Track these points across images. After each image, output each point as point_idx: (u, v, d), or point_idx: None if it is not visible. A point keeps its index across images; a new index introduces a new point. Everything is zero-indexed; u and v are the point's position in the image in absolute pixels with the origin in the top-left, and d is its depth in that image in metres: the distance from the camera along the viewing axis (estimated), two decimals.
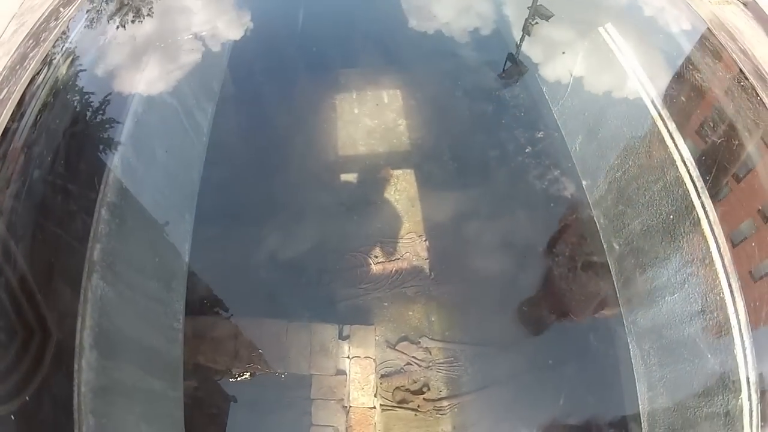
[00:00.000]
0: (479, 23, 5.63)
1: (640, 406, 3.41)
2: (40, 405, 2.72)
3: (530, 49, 5.36)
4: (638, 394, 3.41)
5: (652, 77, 3.76)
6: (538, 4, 5.72)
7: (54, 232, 3.04)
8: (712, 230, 3.07)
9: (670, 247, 3.44)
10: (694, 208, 3.15)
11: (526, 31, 5.54)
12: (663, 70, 3.81)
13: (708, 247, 3.12)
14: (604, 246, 3.80)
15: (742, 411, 3.06)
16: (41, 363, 2.70)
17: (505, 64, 5.30)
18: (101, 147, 3.37)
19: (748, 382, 3.03)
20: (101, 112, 3.50)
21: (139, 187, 3.57)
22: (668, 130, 3.46)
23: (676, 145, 3.41)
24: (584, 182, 3.96)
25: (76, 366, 2.77)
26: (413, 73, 4.92)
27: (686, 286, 3.32)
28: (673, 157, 3.38)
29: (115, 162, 3.33)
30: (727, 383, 3.06)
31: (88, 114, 3.48)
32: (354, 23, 5.44)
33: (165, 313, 3.61)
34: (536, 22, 5.57)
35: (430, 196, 4.28)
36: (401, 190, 4.32)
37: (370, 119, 4.59)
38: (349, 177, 4.39)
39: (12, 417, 2.52)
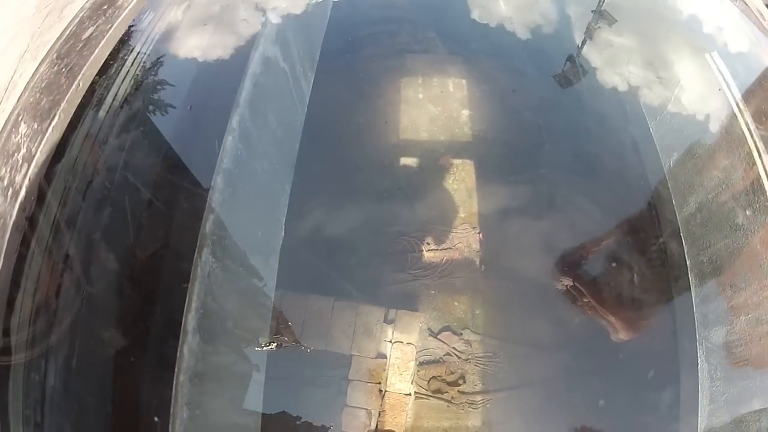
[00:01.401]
0: (542, 21, 5.56)
1: (699, 419, 3.42)
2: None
3: (590, 53, 5.31)
4: (699, 408, 3.41)
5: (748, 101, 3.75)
6: (602, 8, 5.69)
7: (172, 202, 2.93)
8: None
9: (750, 268, 3.42)
10: None
11: (588, 34, 5.50)
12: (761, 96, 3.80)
13: None
14: (687, 262, 3.78)
15: None
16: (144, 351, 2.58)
17: (564, 65, 5.26)
18: (221, 109, 3.27)
19: None
20: (220, 68, 3.39)
21: (252, 154, 3.49)
22: (760, 156, 3.45)
23: (766, 171, 3.40)
24: (674, 199, 3.93)
25: (178, 353, 2.66)
26: (480, 65, 4.87)
27: (761, 307, 3.32)
28: (764, 185, 3.37)
29: (233, 125, 3.24)
30: None
31: (207, 69, 3.37)
32: (423, 8, 5.38)
33: (261, 290, 3.52)
34: (599, 26, 5.53)
35: (488, 190, 4.25)
36: (459, 180, 4.29)
37: (434, 106, 4.54)
38: (408, 161, 4.36)
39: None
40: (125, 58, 3.63)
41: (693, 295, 3.72)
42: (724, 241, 3.63)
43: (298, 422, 4.21)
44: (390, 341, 4.04)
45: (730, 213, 3.62)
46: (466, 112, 4.55)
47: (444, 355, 4.17)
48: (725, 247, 3.71)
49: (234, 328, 3.12)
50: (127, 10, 3.54)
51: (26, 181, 2.79)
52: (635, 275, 4.08)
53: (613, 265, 4.24)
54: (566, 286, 4.26)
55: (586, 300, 4.26)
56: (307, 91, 4.14)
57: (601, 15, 5.70)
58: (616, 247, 4.21)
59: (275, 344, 4.23)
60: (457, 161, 4.36)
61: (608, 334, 4.22)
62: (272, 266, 3.59)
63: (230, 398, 3.02)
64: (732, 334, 3.49)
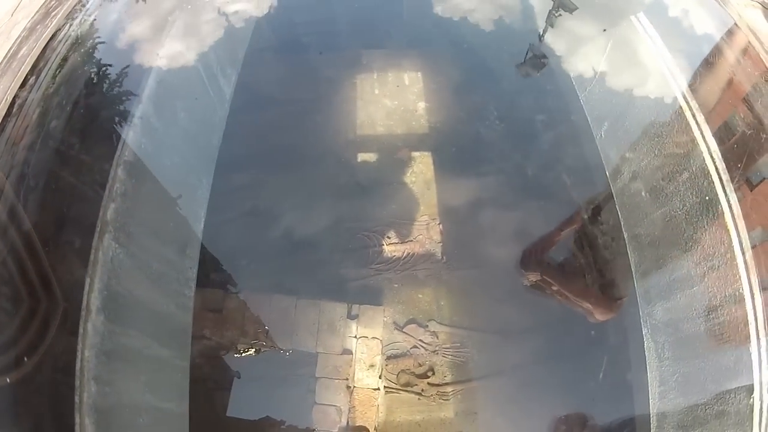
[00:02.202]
0: (503, 12, 5.58)
1: (650, 402, 3.37)
2: (39, 368, 2.68)
3: (554, 41, 5.30)
4: (649, 389, 3.36)
5: (682, 68, 3.69)
6: None
7: (68, 188, 2.99)
8: (735, 225, 3.02)
9: (691, 240, 3.38)
10: (719, 200, 3.09)
11: (550, 22, 5.50)
12: (691, 62, 3.74)
13: (730, 242, 3.07)
14: (625, 235, 3.75)
15: (752, 410, 3.00)
16: (43, 324, 2.64)
17: (526, 54, 5.26)
18: (121, 104, 3.32)
19: (761, 382, 2.97)
20: (122, 69, 3.45)
21: (158, 148, 3.52)
22: (696, 122, 3.40)
23: (703, 137, 3.34)
24: (607, 170, 3.90)
25: (81, 329, 2.71)
26: (436, 58, 4.88)
27: (706, 279, 3.24)
28: (699, 149, 3.32)
29: (134, 120, 3.28)
30: (740, 381, 3.01)
31: (109, 70, 3.42)
32: (379, 4, 5.39)
33: (177, 279, 3.57)
34: (560, 14, 5.53)
35: (446, 180, 4.25)
36: (418, 172, 4.29)
37: (390, 100, 4.55)
38: (366, 156, 4.36)
39: (6, 380, 2.46)
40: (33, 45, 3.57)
41: (633, 270, 3.68)
42: (661, 210, 3.60)
43: (269, 423, 4.21)
44: (355, 336, 4.04)
45: (664, 180, 3.57)
46: (422, 105, 4.56)
47: (411, 348, 4.17)
48: (662, 216, 3.65)
49: (147, 314, 3.12)
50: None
51: None
52: (596, 259, 4.06)
53: (575, 252, 4.24)
54: (535, 280, 4.27)
55: (555, 289, 4.25)
56: (228, 89, 4.15)
57: (561, 2, 5.71)
58: (575, 235, 4.20)
59: (254, 349, 4.24)
60: (415, 154, 4.37)
61: (583, 317, 4.21)
62: (191, 256, 3.60)
63: (146, 381, 3.00)
64: (677, 310, 3.47)
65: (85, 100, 3.11)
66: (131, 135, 3.17)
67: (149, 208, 3.32)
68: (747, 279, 2.94)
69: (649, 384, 3.41)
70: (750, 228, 2.95)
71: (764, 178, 3.02)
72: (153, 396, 3.12)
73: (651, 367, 3.43)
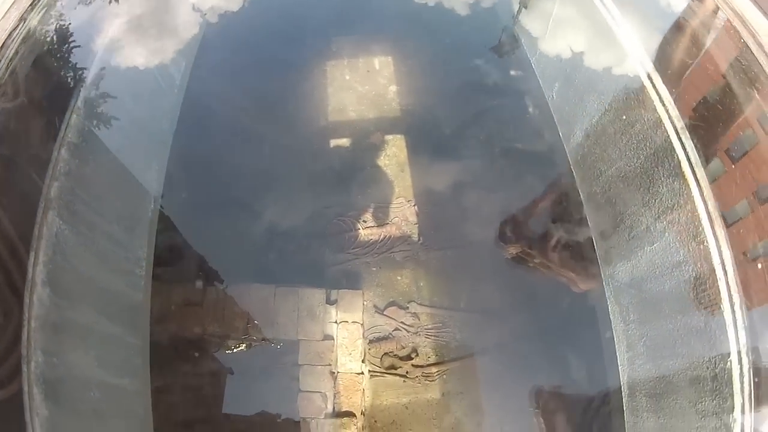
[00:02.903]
0: None
1: (620, 368, 3.31)
2: None
3: (528, 22, 5.26)
4: (617, 355, 3.31)
5: (628, 20, 3.53)
6: None
7: (11, 167, 2.94)
8: (694, 173, 2.89)
9: (649, 194, 3.26)
10: (674, 149, 2.98)
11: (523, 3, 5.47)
12: (637, 12, 3.60)
13: (689, 192, 2.93)
14: (581, 196, 3.68)
15: (731, 375, 2.82)
16: None
17: (500, 35, 5.21)
18: (65, 88, 3.28)
19: (738, 341, 2.79)
20: (67, 55, 3.40)
21: (103, 131, 3.49)
22: (646, 71, 3.28)
23: (654, 86, 3.21)
24: (560, 131, 3.84)
25: (26, 300, 2.69)
26: (406, 42, 4.86)
27: (667, 234, 3.12)
28: (651, 98, 3.18)
29: (78, 104, 3.24)
30: (713, 342, 2.86)
31: (54, 57, 3.38)
32: None
33: (126, 258, 3.54)
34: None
35: (419, 162, 4.24)
36: (391, 155, 4.28)
37: (361, 85, 4.54)
38: (339, 142, 4.36)
39: None
40: None
41: (591, 231, 3.61)
42: (615, 166, 3.54)
43: (256, 414, 4.21)
44: (335, 322, 4.03)
45: (616, 134, 3.53)
46: (393, 88, 4.55)
47: (393, 331, 4.16)
48: (617, 173, 3.56)
49: (96, 290, 3.10)
50: None
51: None
52: (573, 227, 4.03)
53: (554, 222, 4.21)
54: (515, 252, 4.25)
55: (537, 261, 4.23)
56: (178, 75, 4.11)
57: None
58: (552, 206, 4.18)
59: (245, 344, 4.23)
60: (388, 137, 4.36)
61: (564, 288, 4.18)
62: (140, 236, 3.58)
63: (97, 356, 2.99)
64: (638, 269, 3.38)
65: (29, 86, 3.07)
66: (74, 118, 3.13)
67: (94, 188, 3.28)
68: (712, 230, 2.81)
69: (617, 350, 3.35)
70: (710, 173, 2.81)
71: (721, 120, 2.87)
72: (105, 371, 3.10)
73: (617, 331, 3.36)
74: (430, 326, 4.14)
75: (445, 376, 4.18)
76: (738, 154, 2.87)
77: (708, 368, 2.86)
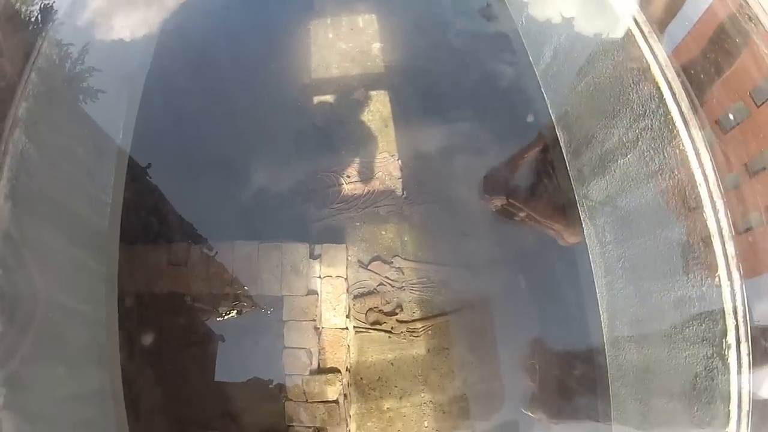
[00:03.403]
0: None
1: (598, 295, 3.20)
2: None
3: None
4: (595, 280, 3.20)
5: None
6: None
7: None
8: (664, 75, 2.69)
9: (619, 102, 3.08)
10: (642, 53, 2.81)
11: None
12: None
13: (661, 95, 2.72)
14: (553, 117, 3.57)
15: (721, 292, 2.53)
16: None
17: None
18: (37, 15, 3.21)
19: (725, 253, 2.51)
20: None
21: (74, 62, 3.43)
22: None
23: None
24: (530, 54, 3.72)
25: None
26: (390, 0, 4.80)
27: (640, 143, 2.93)
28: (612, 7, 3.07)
29: (50, 33, 3.18)
30: (698, 256, 2.58)
31: None
32: None
33: (93, 183, 3.49)
34: None
35: (403, 117, 4.21)
36: (375, 111, 4.24)
37: (344, 43, 4.50)
38: (323, 99, 4.31)
39: None
40: None
41: (564, 153, 3.48)
42: (585, 80, 3.41)
43: (242, 372, 4.19)
44: (319, 277, 4.00)
45: (584, 49, 3.39)
46: (377, 45, 4.51)
47: (377, 286, 4.14)
48: (586, 87, 3.42)
49: (60, 212, 3.07)
50: None
51: None
52: (558, 179, 3.98)
53: (539, 174, 4.16)
54: (500, 205, 4.21)
55: (523, 214, 4.19)
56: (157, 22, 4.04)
57: None
58: (537, 157, 4.13)
59: (236, 311, 4.20)
60: (371, 93, 4.32)
61: (550, 242, 4.14)
62: (107, 163, 3.55)
63: (59, 278, 2.95)
64: (612, 184, 3.23)
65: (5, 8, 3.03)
66: (45, 45, 3.08)
67: (62, 114, 3.23)
68: (687, 132, 2.62)
69: (594, 275, 3.24)
70: (682, 74, 2.65)
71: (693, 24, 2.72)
72: (66, 295, 3.07)
73: (593, 255, 3.24)
74: (414, 281, 4.12)
75: (430, 332, 4.17)
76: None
77: (694, 286, 2.64)
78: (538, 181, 4.23)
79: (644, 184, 2.89)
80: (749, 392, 2.28)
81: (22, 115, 2.74)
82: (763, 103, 2.54)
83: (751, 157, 2.59)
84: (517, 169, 4.23)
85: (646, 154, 2.81)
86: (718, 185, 2.47)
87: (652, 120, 2.75)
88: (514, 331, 4.11)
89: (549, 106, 3.56)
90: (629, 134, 2.95)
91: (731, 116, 2.65)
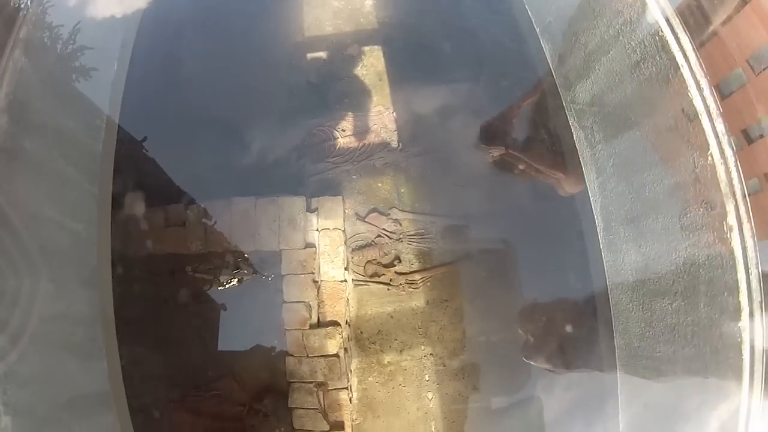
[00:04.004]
0: None
1: (591, 199, 3.13)
2: None
3: None
4: (587, 184, 3.14)
5: None
6: None
7: None
8: None
9: (598, 2, 2.98)
10: None
11: None
12: None
13: None
14: (537, 31, 3.50)
15: (715, 172, 2.34)
16: None
17: None
18: None
19: (715, 132, 2.32)
20: None
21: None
22: None
23: None
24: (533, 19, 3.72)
25: None
26: None
27: (621, 38, 2.83)
28: None
29: None
30: (688, 138, 2.41)
31: None
32: None
33: (87, 108, 3.55)
34: None
35: (397, 71, 4.21)
36: (369, 65, 4.24)
37: (337, 1, 4.51)
38: (316, 55, 4.32)
39: None
40: None
41: (549, 64, 3.41)
42: None
43: (242, 328, 4.20)
44: (316, 229, 4.01)
45: None
46: (369, 2, 4.52)
47: (375, 238, 4.14)
48: None
49: (53, 130, 3.08)
50: None
51: None
52: (559, 126, 3.93)
53: (538, 123, 4.13)
54: (499, 155, 4.18)
55: (523, 165, 4.16)
56: None
57: None
58: (536, 106, 4.11)
59: (237, 279, 4.22)
60: (365, 48, 4.33)
61: (551, 191, 4.10)
62: (101, 91, 3.59)
63: (49, 194, 2.97)
64: (597, 83, 3.15)
65: None
66: None
67: (59, 41, 3.26)
68: (666, 24, 2.49)
69: (587, 179, 3.17)
70: None
71: None
72: (57, 211, 3.09)
73: (585, 159, 3.16)
74: (412, 232, 4.12)
75: (429, 284, 4.17)
76: None
77: (686, 171, 2.52)
78: (537, 131, 4.19)
79: (629, 75, 2.83)
80: (759, 277, 2.19)
81: (23, 38, 2.80)
82: None
83: None
84: (516, 118, 4.20)
85: (627, 46, 2.75)
86: (700, 63, 2.40)
87: (630, 13, 2.69)
88: (513, 281, 4.10)
89: (533, 22, 3.50)
90: (609, 32, 2.89)
91: None
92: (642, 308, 2.91)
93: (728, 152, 2.26)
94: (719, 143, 2.27)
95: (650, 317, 2.84)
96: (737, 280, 2.20)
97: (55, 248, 3.14)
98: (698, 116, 2.34)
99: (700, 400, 2.53)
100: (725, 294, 2.26)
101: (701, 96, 2.36)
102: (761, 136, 2.59)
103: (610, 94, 2.96)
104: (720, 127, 2.31)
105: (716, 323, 2.33)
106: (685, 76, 2.34)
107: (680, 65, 2.36)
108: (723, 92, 2.71)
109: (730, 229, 2.27)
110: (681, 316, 2.57)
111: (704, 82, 2.32)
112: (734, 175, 2.28)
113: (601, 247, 3.18)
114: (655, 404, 2.99)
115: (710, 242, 2.40)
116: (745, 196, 2.21)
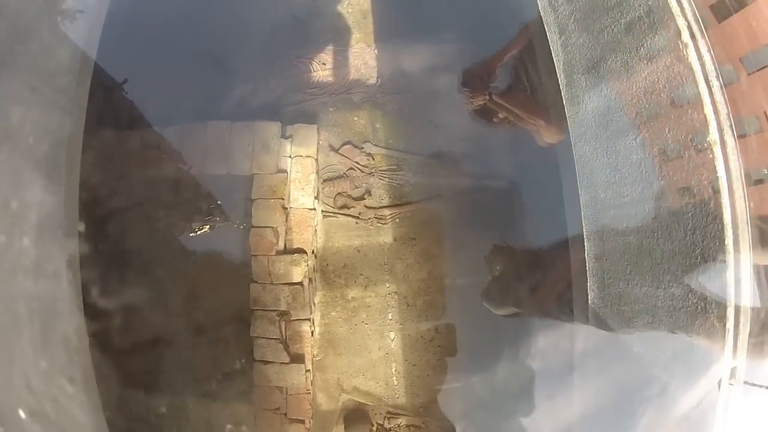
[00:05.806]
0: None
1: (554, 59, 3.03)
2: None
3: None
4: (551, 46, 3.08)
5: None
6: None
7: None
8: None
9: None
10: None
11: None
12: None
13: None
14: None
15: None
16: None
17: None
18: None
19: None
20: None
21: None
22: None
23: None
24: None
25: None
26: None
27: None
28: None
29: None
30: None
31: None
32: None
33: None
34: None
35: (383, 10, 4.26)
36: (354, 3, 4.30)
37: None
38: None
39: None
40: None
41: None
42: None
43: (208, 256, 4.19)
44: (289, 156, 4.03)
45: None
46: None
47: (347, 170, 4.17)
48: None
49: (29, 43, 3.07)
50: None
51: None
52: (543, 75, 3.96)
53: (522, 70, 4.14)
54: (482, 103, 4.19)
55: (502, 115, 4.16)
56: None
57: None
58: (520, 53, 4.13)
59: (208, 226, 4.24)
60: None
61: (527, 138, 4.09)
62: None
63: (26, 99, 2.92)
64: None
65: None
66: None
67: None
68: None
69: (550, 41, 3.08)
70: None
71: None
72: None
73: (548, 24, 3.06)
74: (384, 168, 4.15)
75: (397, 220, 4.19)
76: None
77: (640, 5, 2.44)
78: (521, 77, 4.21)
79: None
80: (721, 88, 2.19)
81: None
82: None
83: None
84: (501, 63, 4.20)
85: None
86: None
87: None
88: (483, 225, 4.12)
89: None
90: None
91: None
92: (606, 153, 2.82)
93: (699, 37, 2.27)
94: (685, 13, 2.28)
95: (615, 161, 2.76)
96: (699, 93, 2.20)
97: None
98: None
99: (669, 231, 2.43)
100: (690, 111, 2.23)
101: None
102: None
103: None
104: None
105: (684, 145, 2.30)
106: None
107: None
108: None
109: (686, 47, 2.28)
110: (646, 148, 2.52)
111: None
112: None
113: (563, 96, 3.09)
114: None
115: (669, 64, 2.38)
116: (696, 17, 2.21)
